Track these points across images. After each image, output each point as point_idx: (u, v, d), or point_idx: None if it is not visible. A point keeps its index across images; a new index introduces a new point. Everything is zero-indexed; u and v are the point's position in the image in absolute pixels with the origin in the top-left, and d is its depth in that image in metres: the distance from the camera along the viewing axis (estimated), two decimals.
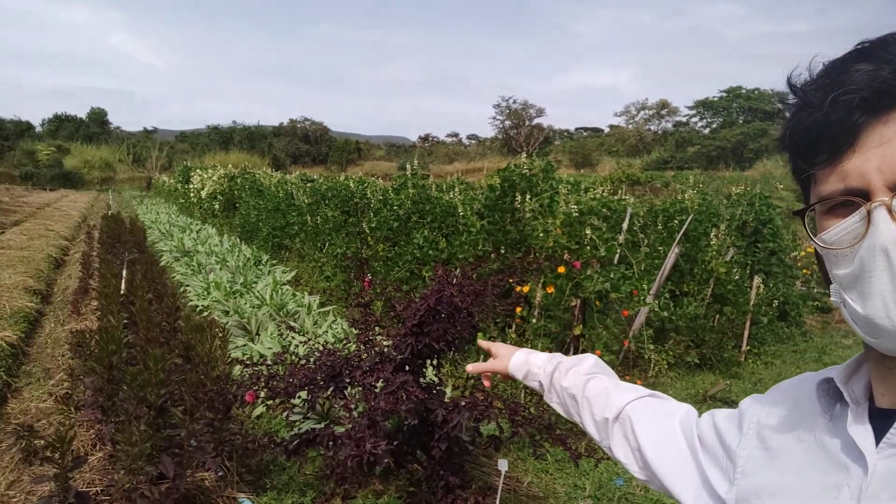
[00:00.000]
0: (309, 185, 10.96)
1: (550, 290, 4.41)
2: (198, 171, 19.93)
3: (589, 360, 1.24)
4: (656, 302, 5.94)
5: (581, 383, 1.18)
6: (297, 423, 3.80)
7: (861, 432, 0.68)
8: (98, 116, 63.99)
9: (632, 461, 1.05)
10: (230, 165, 19.67)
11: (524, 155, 5.75)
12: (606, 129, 70.43)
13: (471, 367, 1.41)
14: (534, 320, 4.85)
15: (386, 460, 3.29)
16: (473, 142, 74.42)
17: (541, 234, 4.74)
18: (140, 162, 51.45)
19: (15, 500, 3.10)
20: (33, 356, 5.34)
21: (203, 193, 17.32)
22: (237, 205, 14.34)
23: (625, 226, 6.03)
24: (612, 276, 5.00)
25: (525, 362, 1.30)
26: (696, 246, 6.62)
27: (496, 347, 1.40)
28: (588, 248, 4.50)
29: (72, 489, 2.75)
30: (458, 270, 2.94)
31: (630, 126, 62.07)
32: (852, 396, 0.72)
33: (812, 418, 0.76)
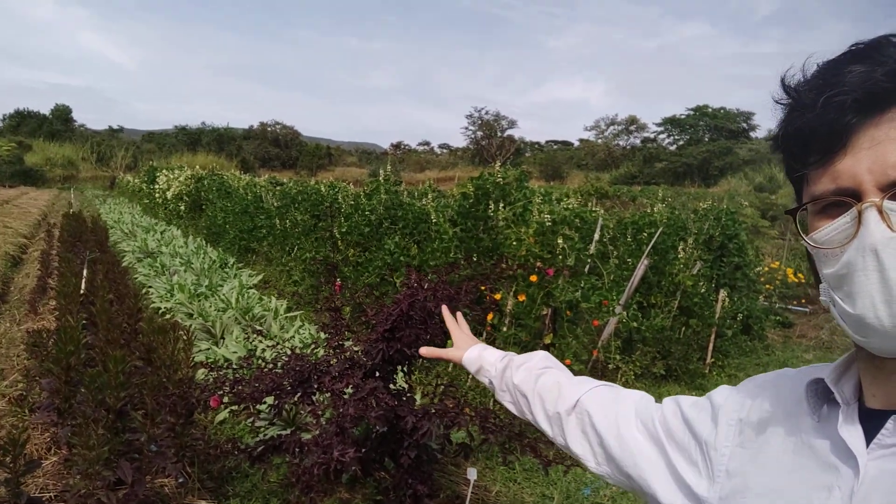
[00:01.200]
0: (278, 188, 10.82)
1: (522, 298, 4.41)
2: (164, 171, 19.56)
3: (538, 356, 1.24)
4: (625, 313, 5.99)
5: (532, 379, 1.17)
6: (263, 430, 3.72)
7: (852, 433, 0.68)
8: (62, 113, 62.48)
9: (590, 456, 1.03)
10: (197, 167, 19.36)
11: (498, 164, 5.76)
12: (576, 143, 71.41)
13: (424, 350, 1.41)
14: (504, 328, 4.84)
15: (353, 468, 3.24)
16: (445, 151, 74.79)
17: (514, 243, 4.74)
18: (104, 161, 50.37)
19: None
20: None
21: (169, 194, 16.99)
22: (203, 206, 14.10)
23: (596, 237, 6.07)
24: (582, 285, 5.03)
25: (479, 357, 1.31)
26: (665, 259, 6.70)
27: (456, 334, 1.40)
28: (560, 257, 4.51)
29: (23, 494, 2.63)
30: (430, 276, 2.91)
31: (599, 140, 63.04)
32: (843, 397, 0.72)
33: (798, 418, 0.76)
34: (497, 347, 4.96)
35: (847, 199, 0.64)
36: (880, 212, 0.61)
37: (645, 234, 6.97)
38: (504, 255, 4.92)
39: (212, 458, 3.32)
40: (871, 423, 0.67)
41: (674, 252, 6.82)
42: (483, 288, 4.69)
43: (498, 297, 4.57)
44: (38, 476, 3.18)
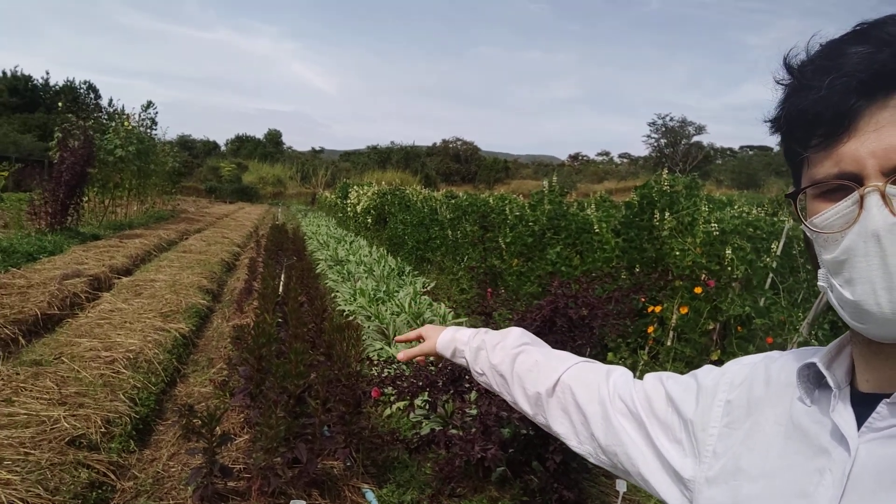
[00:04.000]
0: (452, 201, 11.32)
1: (684, 310, 4.23)
2: (355, 187, 21.27)
3: (515, 333, 1.20)
4: (813, 333, 5.44)
5: (509, 359, 1.14)
6: (421, 424, 3.96)
7: (844, 417, 0.67)
8: (273, 137, 70.56)
9: (571, 435, 1.01)
10: (383, 182, 20.79)
11: (665, 171, 5.56)
12: (776, 148, 65.31)
13: (401, 356, 1.37)
14: (668, 342, 4.66)
15: (502, 468, 3.35)
16: (625, 160, 72.48)
17: (677, 253, 4.56)
18: (307, 179, 55.74)
19: (174, 469, 3.53)
20: (201, 347, 6.01)
21: (358, 208, 18.44)
22: (387, 219, 15.12)
23: (778, 249, 5.60)
24: (758, 301, 4.67)
25: (452, 339, 1.26)
26: None
27: (424, 330, 1.36)
28: (729, 269, 4.26)
29: (217, 463, 3.08)
30: (573, 285, 2.94)
31: None
32: (834, 381, 0.70)
33: (790, 402, 0.74)
34: (660, 363, 4.82)
35: (849, 184, 0.62)
36: (883, 196, 0.60)
37: None
38: (668, 265, 4.75)
39: (375, 447, 3.61)
40: (863, 406, 0.66)
41: None
42: (643, 299, 4.56)
43: (658, 309, 4.42)
44: (232, 450, 3.68)
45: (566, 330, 2.92)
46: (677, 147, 59.07)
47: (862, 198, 0.61)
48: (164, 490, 3.29)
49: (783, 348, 5.31)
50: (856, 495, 0.62)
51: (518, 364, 1.12)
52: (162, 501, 3.17)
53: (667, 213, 5.11)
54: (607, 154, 76.96)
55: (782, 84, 0.70)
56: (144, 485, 3.31)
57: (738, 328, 4.44)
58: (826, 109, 0.63)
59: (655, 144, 61.88)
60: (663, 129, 60.51)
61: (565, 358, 1.10)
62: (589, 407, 0.98)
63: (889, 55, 0.60)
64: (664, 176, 5.47)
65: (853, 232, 0.62)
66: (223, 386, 4.50)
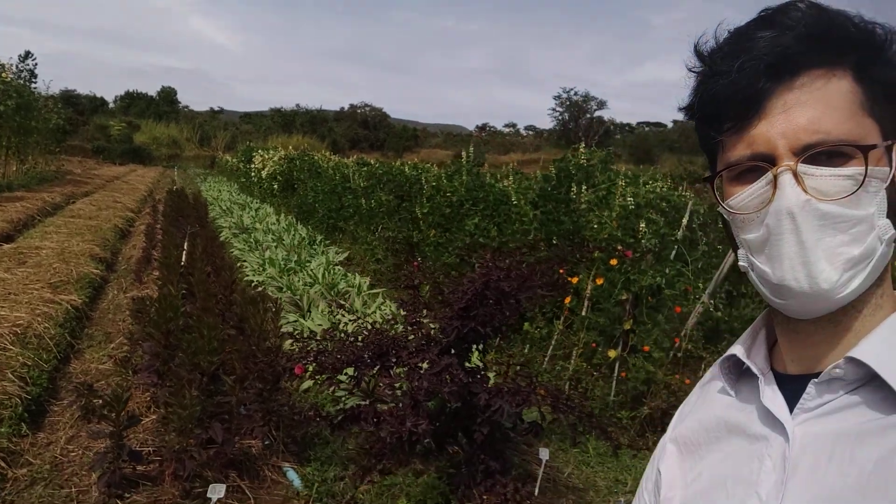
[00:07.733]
0: (365, 169, 11.08)
1: (600, 281, 4.35)
2: (259, 151, 20.43)
3: None
4: (711, 302, 5.77)
5: None
6: (343, 399, 3.87)
7: (774, 401, 0.68)
8: (168, 95, 66.41)
9: None
10: (290, 147, 20.09)
11: (583, 145, 5.66)
12: (670, 125, 68.75)
13: None
14: (583, 312, 4.78)
15: (427, 440, 3.33)
16: (531, 133, 73.92)
17: (595, 226, 4.67)
18: (206, 141, 53.08)
19: (73, 454, 3.26)
20: (95, 320, 5.59)
21: (263, 174, 17.75)
22: (295, 186, 14.64)
23: (684, 222, 5.87)
24: (667, 272, 4.88)
25: None
26: None
27: None
28: (643, 241, 4.40)
29: (125, 447, 2.87)
30: (506, 258, 2.92)
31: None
32: (757, 367, 0.72)
33: (717, 399, 0.76)
34: (574, 331, 4.91)
35: (762, 164, 0.64)
36: (795, 175, 0.62)
37: None
38: (585, 238, 4.85)
39: (295, 424, 3.49)
40: (790, 388, 0.68)
41: None
42: (561, 271, 4.65)
43: (575, 280, 4.52)
44: (139, 432, 3.45)
45: (494, 303, 2.91)
46: (580, 121, 60.83)
47: (775, 177, 0.63)
48: (64, 477, 3.03)
49: (688, 317, 5.60)
50: (800, 476, 0.62)
51: None
52: (62, 489, 2.92)
53: (584, 187, 5.21)
54: (514, 126, 78.23)
55: (694, 71, 0.71)
56: (41, 471, 3.04)
57: (649, 298, 4.62)
58: (736, 93, 0.65)
59: (560, 118, 63.43)
60: (567, 102, 62.07)
61: None
62: None
63: (792, 38, 0.62)
64: (581, 150, 5.56)
65: (769, 212, 0.63)
66: (125, 363, 4.20)
